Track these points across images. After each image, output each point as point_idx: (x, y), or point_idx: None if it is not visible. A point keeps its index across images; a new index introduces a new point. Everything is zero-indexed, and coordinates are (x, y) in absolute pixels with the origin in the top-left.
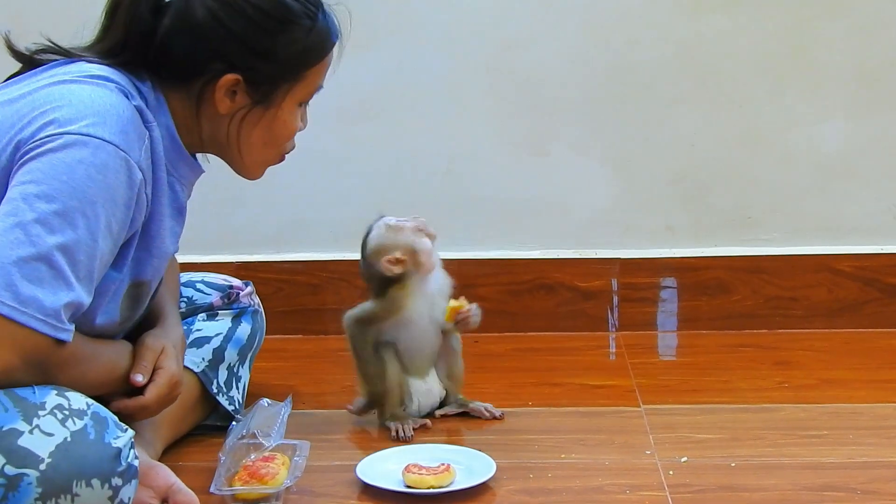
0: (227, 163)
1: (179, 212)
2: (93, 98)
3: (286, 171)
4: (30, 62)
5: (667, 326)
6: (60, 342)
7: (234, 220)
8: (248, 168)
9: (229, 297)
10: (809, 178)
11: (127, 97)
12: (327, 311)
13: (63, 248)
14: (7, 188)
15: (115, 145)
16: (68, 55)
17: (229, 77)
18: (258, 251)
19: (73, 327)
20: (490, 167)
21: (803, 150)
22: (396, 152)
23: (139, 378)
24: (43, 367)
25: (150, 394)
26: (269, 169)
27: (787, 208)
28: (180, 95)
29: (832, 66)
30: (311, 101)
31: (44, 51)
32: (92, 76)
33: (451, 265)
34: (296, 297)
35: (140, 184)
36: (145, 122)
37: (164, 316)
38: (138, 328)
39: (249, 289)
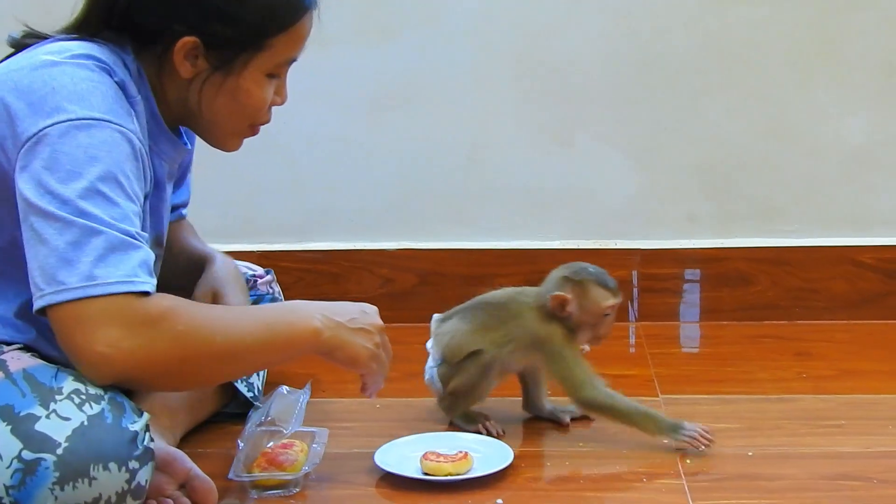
0: (199, 135)
1: (156, 185)
2: (74, 80)
3: (309, 160)
4: (17, 46)
5: (687, 317)
6: (143, 294)
7: (257, 209)
8: (218, 139)
9: (248, 285)
10: (833, 169)
11: (110, 74)
12: (349, 301)
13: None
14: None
15: (107, 121)
16: (46, 37)
17: (187, 40)
18: (280, 240)
19: (152, 280)
20: (514, 157)
21: (828, 142)
22: (421, 141)
23: None
24: (143, 328)
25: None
26: (292, 157)
27: (809, 200)
28: (148, 63)
29: (859, 59)
30: (329, 87)
31: (29, 35)
32: (73, 56)
33: (472, 255)
34: (317, 287)
35: (141, 153)
36: (129, 96)
37: (206, 260)
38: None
39: (269, 277)
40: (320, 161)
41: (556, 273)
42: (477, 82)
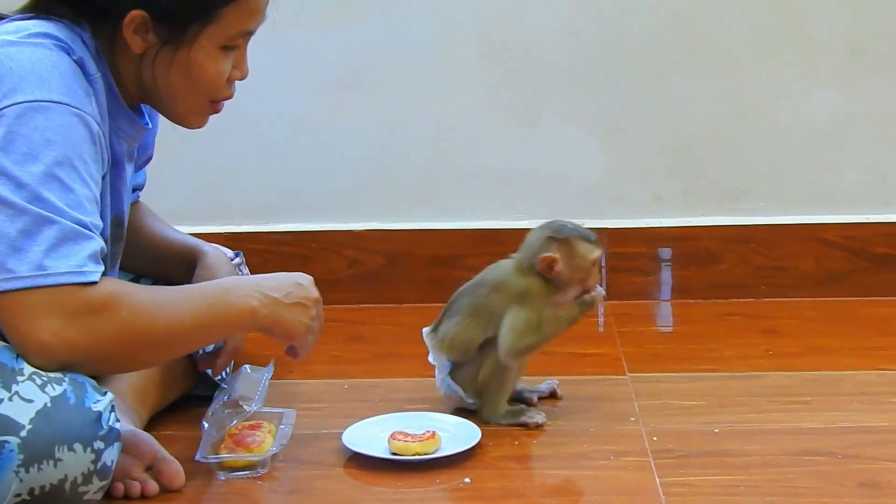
0: (160, 112)
1: (115, 164)
2: (32, 61)
3: (276, 142)
4: None
5: (655, 296)
6: (90, 284)
7: (224, 190)
8: (178, 116)
9: None
10: (799, 147)
11: (68, 53)
12: (317, 282)
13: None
14: None
15: (65, 104)
16: (2, 17)
17: (135, 14)
18: (247, 222)
19: (99, 269)
20: (479, 137)
21: (793, 120)
22: (386, 122)
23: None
24: (87, 316)
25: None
26: (259, 139)
27: (776, 178)
28: (104, 39)
29: (823, 36)
30: (295, 69)
31: None
32: (30, 35)
33: (440, 235)
34: (285, 268)
35: (98, 136)
36: (88, 75)
37: (197, 253)
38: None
39: (238, 259)
40: (287, 142)
41: (537, 234)
42: (443, 63)
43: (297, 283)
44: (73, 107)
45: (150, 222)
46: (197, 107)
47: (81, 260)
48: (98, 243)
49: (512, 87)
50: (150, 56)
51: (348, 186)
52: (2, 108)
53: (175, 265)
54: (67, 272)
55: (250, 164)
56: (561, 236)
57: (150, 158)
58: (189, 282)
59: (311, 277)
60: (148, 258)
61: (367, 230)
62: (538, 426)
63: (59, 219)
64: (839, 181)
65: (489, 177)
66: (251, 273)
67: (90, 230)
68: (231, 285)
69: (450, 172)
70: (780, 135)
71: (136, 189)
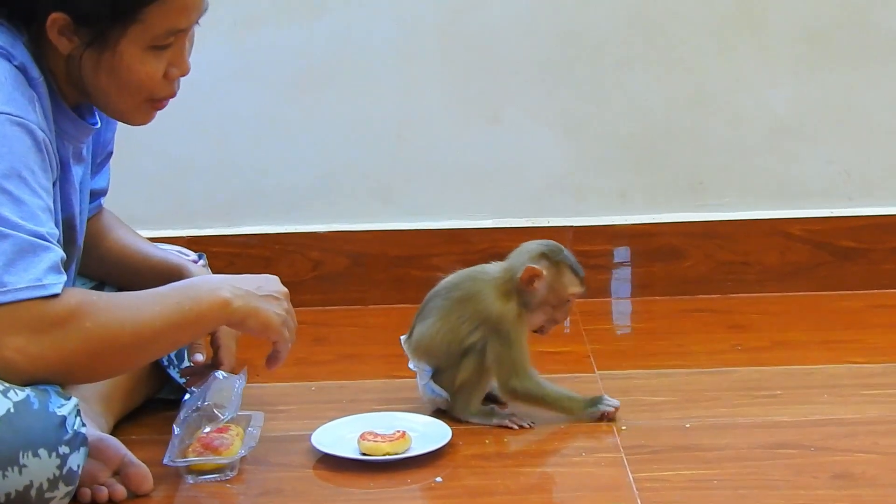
0: (101, 111)
1: (62, 167)
2: None
3: (236, 142)
4: None
5: (621, 293)
6: (52, 297)
7: (185, 193)
8: (117, 115)
9: None
10: (761, 141)
11: (9, 59)
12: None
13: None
14: None
15: (6, 114)
16: None
17: (55, 16)
18: (210, 224)
19: (60, 279)
20: (442, 134)
21: (754, 113)
22: (347, 120)
23: (199, 357)
24: (51, 329)
25: (226, 364)
26: (219, 139)
27: (738, 172)
28: (39, 42)
29: (782, 28)
30: (255, 67)
31: None
32: None
33: (403, 235)
34: (249, 271)
35: (45, 143)
36: (31, 79)
37: (180, 271)
38: None
39: (202, 262)
40: (249, 143)
41: (532, 247)
42: (403, 59)
43: (265, 278)
44: (15, 116)
45: (123, 235)
46: (133, 105)
47: (41, 272)
48: (57, 253)
49: (473, 83)
50: (76, 58)
51: (311, 187)
52: None
53: (156, 284)
54: (27, 287)
55: (212, 165)
56: (554, 258)
57: (110, 153)
58: None
59: (276, 277)
60: (123, 273)
61: (330, 231)
62: (521, 428)
63: (13, 232)
64: (803, 175)
65: (452, 175)
66: None
67: (47, 240)
68: (199, 281)
69: (412, 171)
70: (743, 129)
71: (100, 194)
